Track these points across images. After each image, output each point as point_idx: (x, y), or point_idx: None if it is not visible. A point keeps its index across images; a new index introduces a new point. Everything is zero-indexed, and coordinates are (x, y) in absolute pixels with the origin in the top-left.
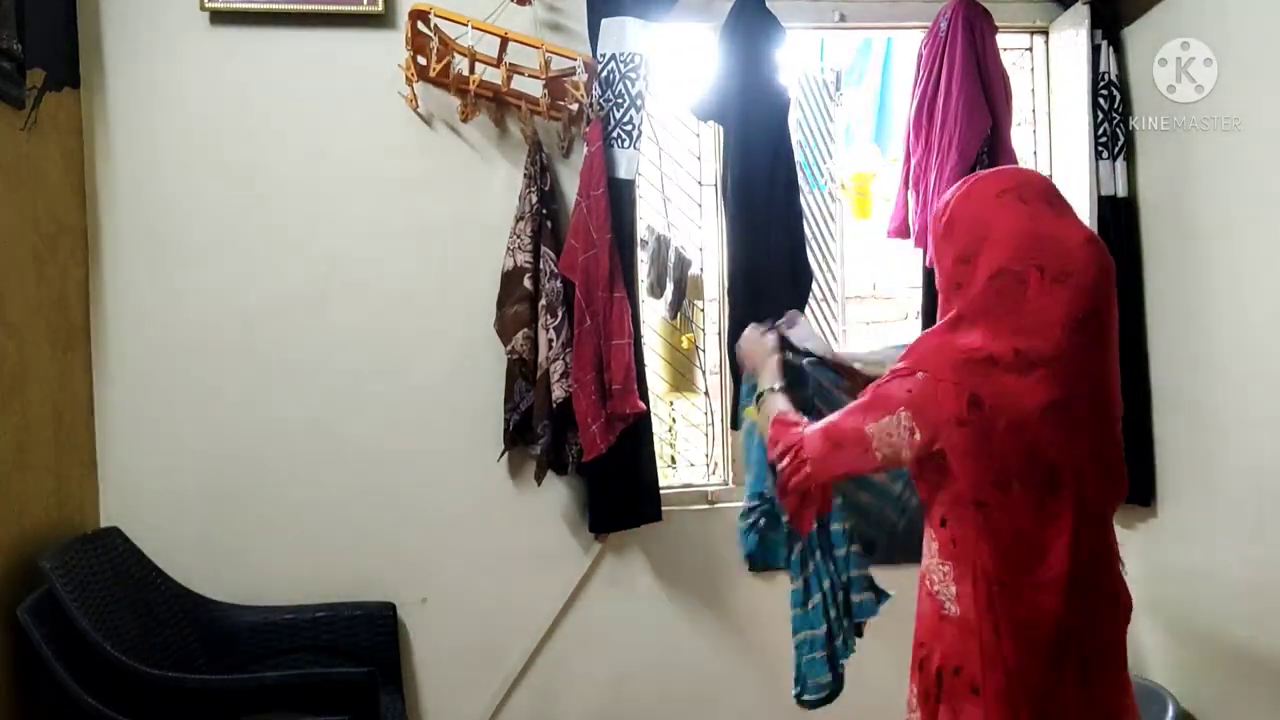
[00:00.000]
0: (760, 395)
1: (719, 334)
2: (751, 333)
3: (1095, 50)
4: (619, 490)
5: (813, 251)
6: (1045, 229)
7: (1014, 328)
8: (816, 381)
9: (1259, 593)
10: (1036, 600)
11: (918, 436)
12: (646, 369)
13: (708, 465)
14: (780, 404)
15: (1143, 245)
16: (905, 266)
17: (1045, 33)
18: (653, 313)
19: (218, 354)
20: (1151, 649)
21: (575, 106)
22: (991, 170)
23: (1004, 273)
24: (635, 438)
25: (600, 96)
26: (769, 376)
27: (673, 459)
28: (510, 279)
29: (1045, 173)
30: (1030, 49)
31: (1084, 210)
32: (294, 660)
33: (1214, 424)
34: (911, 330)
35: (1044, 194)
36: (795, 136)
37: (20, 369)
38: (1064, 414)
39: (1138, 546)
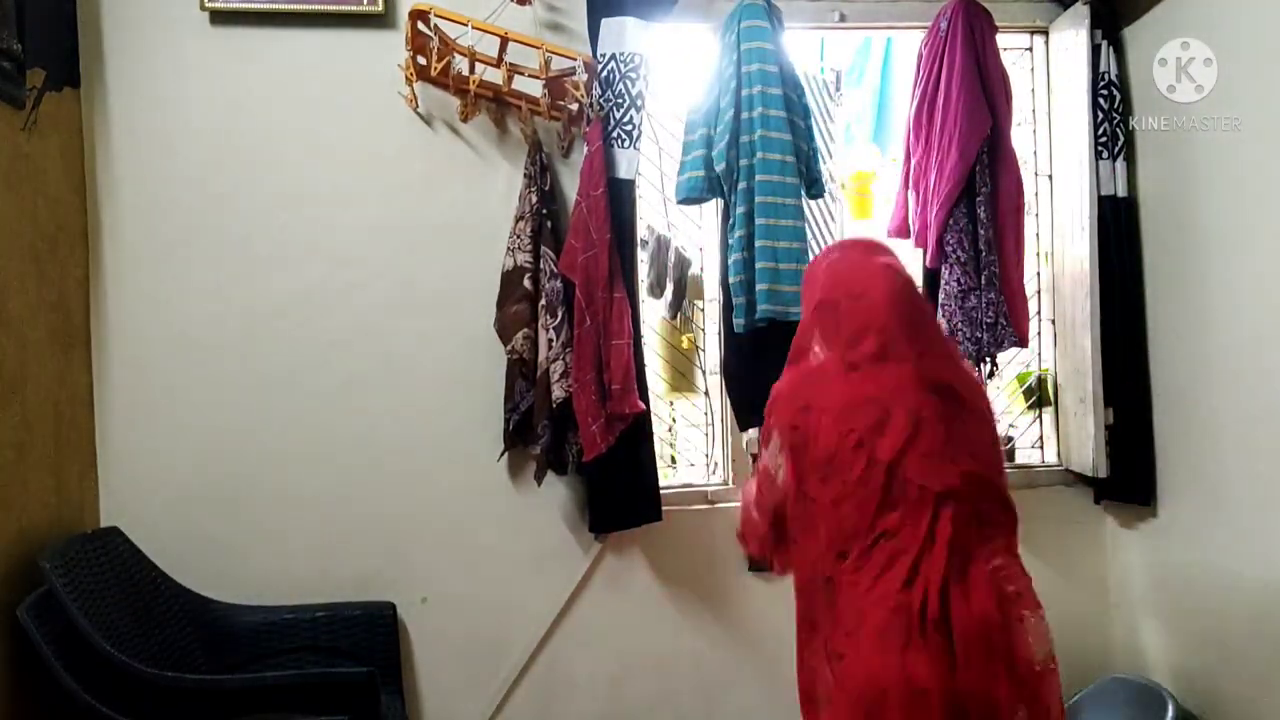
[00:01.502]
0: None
1: (719, 334)
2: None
3: (1095, 50)
4: (619, 490)
5: (812, 252)
6: (848, 266)
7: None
8: None
9: (1259, 592)
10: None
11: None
12: (646, 369)
13: (708, 465)
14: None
15: (1143, 245)
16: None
17: (1045, 33)
18: (653, 313)
19: (217, 354)
20: (1151, 649)
21: (575, 106)
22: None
23: (822, 306)
24: (635, 438)
25: (600, 96)
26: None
27: (673, 459)
28: (510, 279)
29: (1045, 173)
30: (1030, 49)
31: (1084, 210)
32: (294, 660)
33: (1214, 424)
34: None
35: (860, 243)
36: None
37: (20, 369)
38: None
39: (1138, 546)
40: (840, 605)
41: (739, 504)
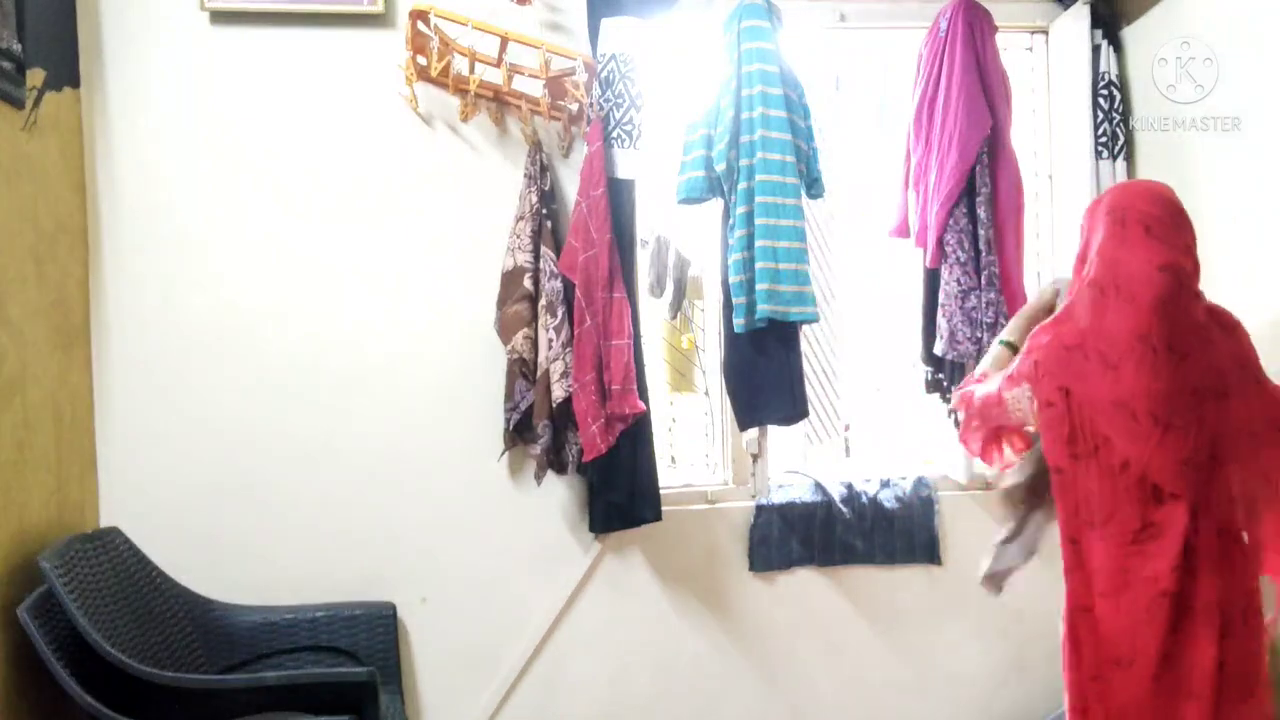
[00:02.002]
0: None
1: (719, 334)
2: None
3: (1095, 50)
4: (619, 490)
5: (812, 251)
6: (1124, 254)
7: (1096, 329)
8: None
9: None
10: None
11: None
12: (646, 369)
13: (708, 465)
14: (986, 362)
15: None
16: (905, 266)
17: (1045, 33)
18: (653, 313)
19: (217, 354)
20: None
21: (575, 106)
22: (1124, 185)
23: (1094, 284)
24: (635, 438)
25: (600, 96)
26: (1010, 329)
27: (673, 459)
28: (510, 279)
29: (1045, 173)
30: (1030, 49)
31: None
32: (294, 660)
33: None
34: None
35: (1144, 219)
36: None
37: (20, 369)
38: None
39: None
40: (1091, 566)
41: (960, 408)
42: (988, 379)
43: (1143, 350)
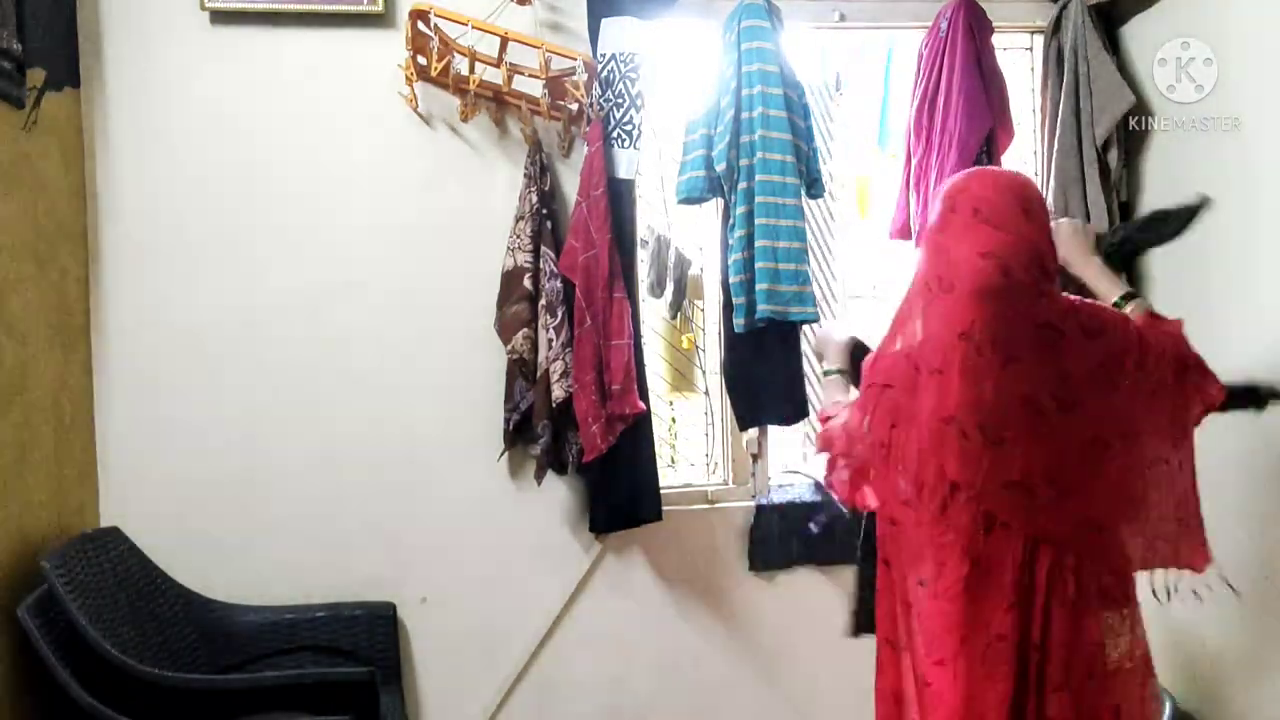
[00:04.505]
0: (828, 374)
1: (719, 334)
2: (829, 324)
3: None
4: (619, 490)
5: (812, 252)
6: (947, 240)
7: (923, 334)
8: None
9: (1258, 591)
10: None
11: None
12: (646, 369)
13: (708, 465)
14: (834, 391)
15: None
16: (905, 267)
17: (1044, 32)
18: (653, 313)
19: (217, 354)
20: (1151, 649)
21: (575, 106)
22: (968, 171)
23: (919, 280)
24: (635, 438)
25: (600, 96)
26: (832, 358)
27: (673, 459)
28: (510, 279)
29: (1046, 172)
30: (1030, 49)
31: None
32: (294, 660)
33: (1214, 421)
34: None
35: (975, 202)
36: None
37: (20, 369)
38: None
39: None
40: (922, 627)
41: (824, 449)
42: (839, 411)
43: (965, 350)
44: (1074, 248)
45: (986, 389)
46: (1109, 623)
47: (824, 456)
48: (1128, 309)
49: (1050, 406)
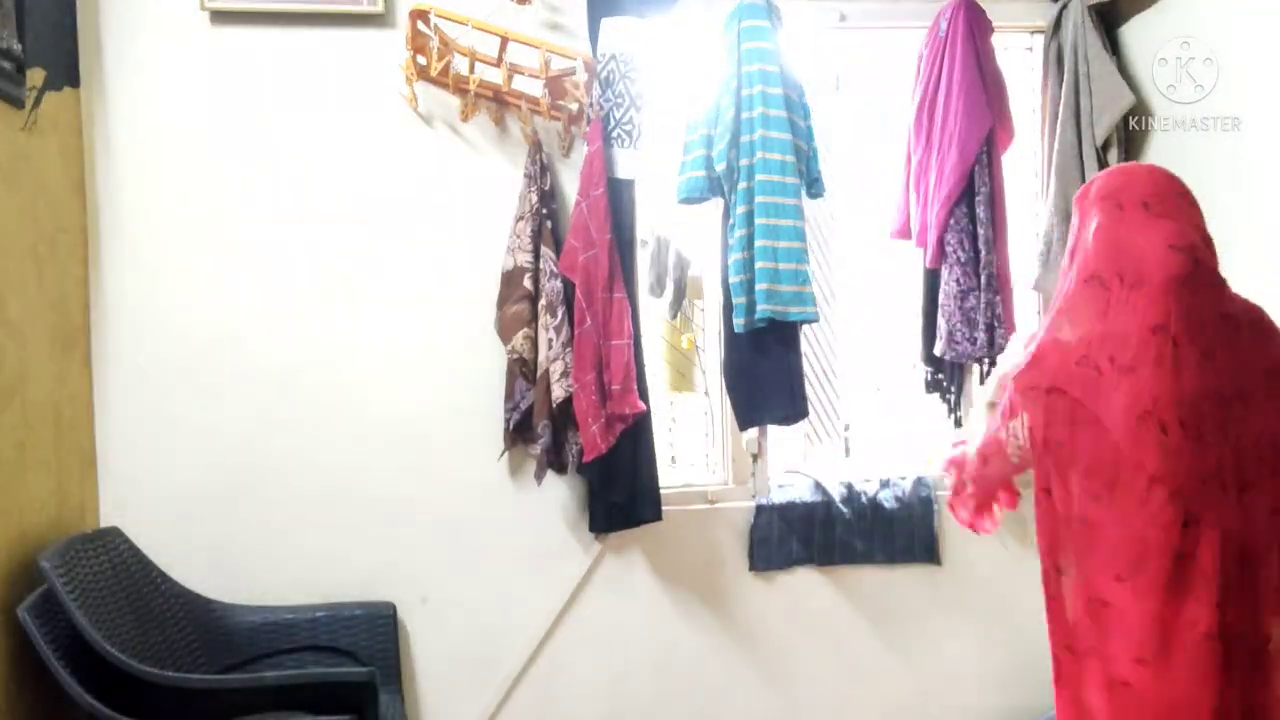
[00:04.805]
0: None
1: (719, 334)
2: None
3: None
4: (619, 490)
5: (812, 251)
6: (1125, 235)
7: (1102, 331)
8: None
9: None
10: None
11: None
12: (646, 369)
13: (708, 465)
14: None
15: None
16: (905, 267)
17: (1045, 32)
18: (653, 313)
19: (217, 354)
20: None
21: (575, 106)
22: (1115, 168)
23: (1093, 278)
24: (635, 438)
25: (600, 96)
26: (991, 391)
27: (673, 459)
28: (510, 279)
29: (1046, 172)
30: (1030, 49)
31: None
32: (294, 660)
33: None
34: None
35: (1142, 197)
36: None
37: (20, 369)
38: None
39: None
40: (1123, 626)
41: (950, 472)
42: (973, 437)
43: (1161, 344)
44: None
45: (1185, 383)
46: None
47: (948, 478)
48: None
49: (1234, 399)
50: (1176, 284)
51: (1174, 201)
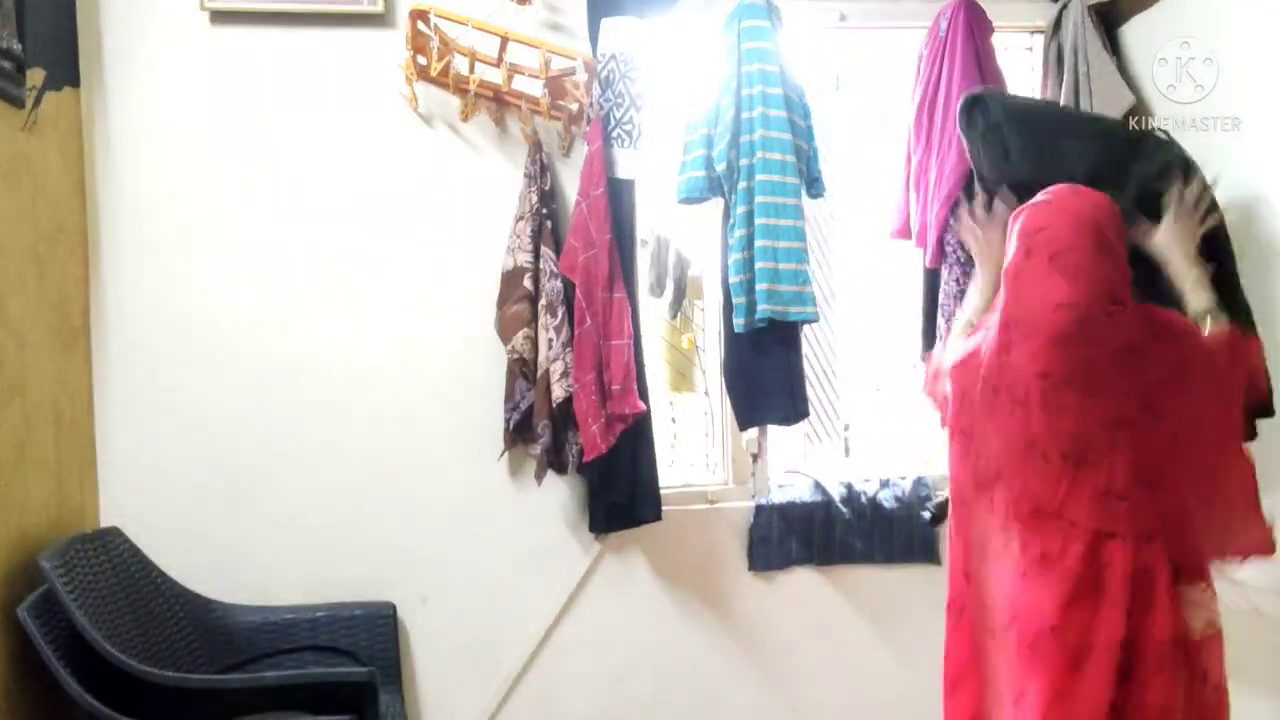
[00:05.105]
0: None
1: (719, 334)
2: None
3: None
4: (619, 490)
5: (812, 251)
6: (1026, 286)
7: (1001, 364)
8: None
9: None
10: None
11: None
12: (646, 369)
13: (708, 465)
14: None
15: None
16: (905, 267)
17: (1045, 32)
18: (653, 313)
19: (217, 353)
20: None
21: (575, 106)
22: (1045, 200)
23: (1002, 315)
24: (635, 438)
25: (600, 96)
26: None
27: (673, 459)
28: (510, 279)
29: None
30: (1030, 49)
31: None
32: (294, 660)
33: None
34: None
35: (1052, 248)
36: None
37: (20, 369)
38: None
39: None
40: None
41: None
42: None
43: (1045, 389)
44: (1177, 252)
45: (1066, 421)
46: (1189, 596)
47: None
48: (1208, 322)
49: (1139, 419)
50: (1059, 342)
51: (1083, 252)
